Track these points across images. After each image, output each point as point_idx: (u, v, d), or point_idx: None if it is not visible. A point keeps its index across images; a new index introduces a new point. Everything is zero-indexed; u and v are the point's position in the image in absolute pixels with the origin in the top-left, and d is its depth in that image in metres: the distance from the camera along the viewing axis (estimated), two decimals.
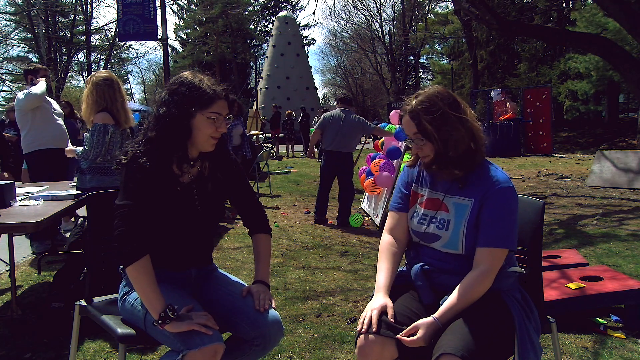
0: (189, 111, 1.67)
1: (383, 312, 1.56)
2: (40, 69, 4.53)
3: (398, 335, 1.51)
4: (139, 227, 1.62)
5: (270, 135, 18.12)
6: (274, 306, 1.71)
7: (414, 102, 1.65)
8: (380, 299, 1.60)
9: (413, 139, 1.67)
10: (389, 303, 1.59)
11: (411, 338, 1.49)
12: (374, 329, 1.51)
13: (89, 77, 3.38)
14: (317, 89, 32.89)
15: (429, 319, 1.52)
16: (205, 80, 1.71)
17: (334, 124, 5.98)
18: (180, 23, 37.68)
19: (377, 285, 1.67)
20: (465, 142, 1.61)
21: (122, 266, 1.81)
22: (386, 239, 1.79)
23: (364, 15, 36.32)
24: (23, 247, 4.91)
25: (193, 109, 1.67)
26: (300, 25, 37.61)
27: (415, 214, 1.74)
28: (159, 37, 16.99)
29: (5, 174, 4.74)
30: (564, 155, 14.99)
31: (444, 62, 32.90)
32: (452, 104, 1.63)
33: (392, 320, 1.54)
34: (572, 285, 2.96)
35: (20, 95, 4.42)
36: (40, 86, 4.36)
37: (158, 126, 1.69)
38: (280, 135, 17.96)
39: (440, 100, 1.62)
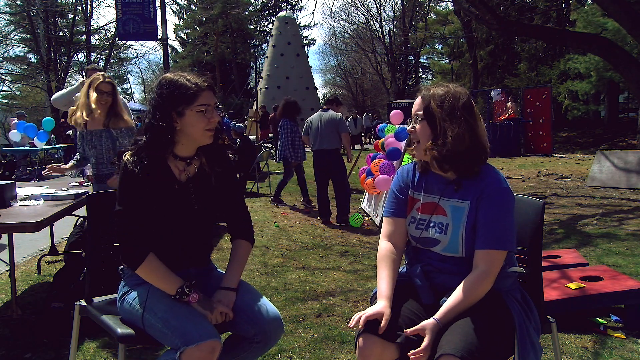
0: (176, 110, 1.68)
1: (377, 317, 1.53)
2: (88, 70, 4.46)
3: (407, 332, 1.50)
4: (136, 231, 1.66)
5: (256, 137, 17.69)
6: (230, 317, 1.68)
7: (432, 89, 1.69)
8: (378, 306, 1.57)
9: (412, 118, 1.73)
10: (387, 311, 1.55)
11: (422, 346, 1.45)
12: (360, 328, 1.51)
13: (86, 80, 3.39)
14: (317, 89, 32.81)
15: (432, 320, 1.51)
16: (186, 76, 1.72)
17: (313, 125, 6.23)
18: (180, 23, 37.74)
19: (379, 294, 1.63)
20: (465, 142, 1.60)
21: (121, 267, 1.82)
22: (384, 245, 1.76)
23: (363, 15, 36.34)
24: (23, 247, 4.92)
25: (180, 107, 1.68)
26: (300, 25, 37.60)
27: (412, 219, 1.74)
28: (159, 37, 16.98)
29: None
30: (564, 155, 14.98)
31: (444, 62, 32.88)
32: (465, 104, 1.64)
33: (383, 326, 1.51)
34: (572, 285, 2.96)
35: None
36: (61, 90, 4.57)
37: (147, 129, 1.72)
38: (270, 136, 17.62)
39: (453, 97, 1.65)
